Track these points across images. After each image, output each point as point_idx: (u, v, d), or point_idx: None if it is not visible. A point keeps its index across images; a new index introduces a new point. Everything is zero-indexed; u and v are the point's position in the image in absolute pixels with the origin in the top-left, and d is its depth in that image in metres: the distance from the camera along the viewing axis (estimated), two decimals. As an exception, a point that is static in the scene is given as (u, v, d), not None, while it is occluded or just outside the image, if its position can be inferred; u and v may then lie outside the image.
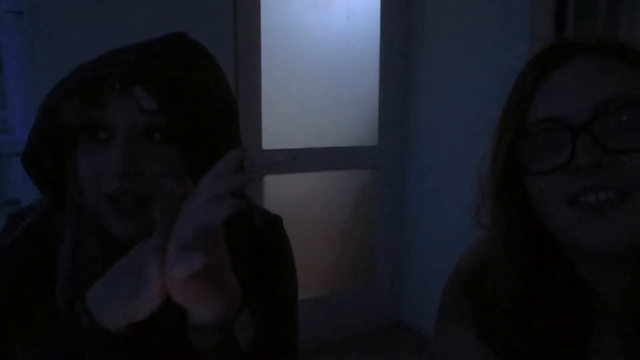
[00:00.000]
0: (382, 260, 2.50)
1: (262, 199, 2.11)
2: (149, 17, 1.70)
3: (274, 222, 0.72)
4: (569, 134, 0.47)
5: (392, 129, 2.42)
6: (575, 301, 0.51)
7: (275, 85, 2.13)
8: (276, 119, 2.15)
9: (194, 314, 0.47)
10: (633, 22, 1.77)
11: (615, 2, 1.79)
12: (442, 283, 0.65)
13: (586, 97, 0.47)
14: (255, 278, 0.64)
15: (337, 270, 2.48)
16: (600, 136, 0.46)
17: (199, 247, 0.39)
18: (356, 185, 2.51)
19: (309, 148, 2.23)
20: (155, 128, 0.52)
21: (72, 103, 0.51)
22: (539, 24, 1.81)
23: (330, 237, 2.45)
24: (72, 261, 0.55)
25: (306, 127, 2.28)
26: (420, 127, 2.38)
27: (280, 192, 2.22)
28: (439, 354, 0.60)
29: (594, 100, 0.47)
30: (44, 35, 1.57)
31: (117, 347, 0.45)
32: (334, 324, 2.35)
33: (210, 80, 0.56)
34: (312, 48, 2.25)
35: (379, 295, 2.50)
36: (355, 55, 2.36)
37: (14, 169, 1.78)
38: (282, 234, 0.72)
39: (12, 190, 1.76)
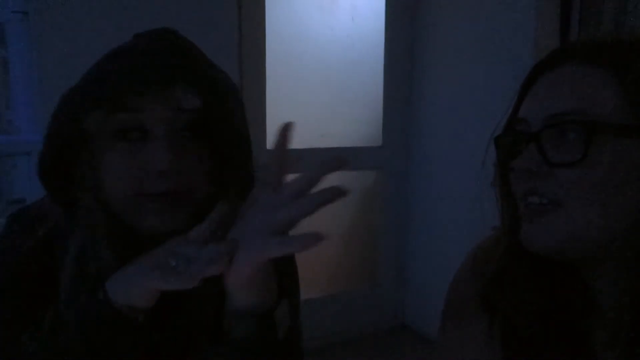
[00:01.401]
0: (386, 261, 2.50)
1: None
2: (154, 19, 1.71)
3: None
4: (523, 139, 0.50)
5: (397, 130, 2.42)
6: (572, 297, 0.52)
7: (279, 86, 2.13)
8: (280, 119, 2.14)
9: (237, 298, 0.48)
10: (638, 26, 1.76)
11: (621, 6, 1.78)
12: (446, 285, 0.65)
13: (547, 106, 0.49)
14: None
15: (341, 272, 2.48)
16: (545, 146, 0.48)
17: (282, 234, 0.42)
18: (360, 186, 2.51)
19: (313, 148, 2.23)
20: (187, 126, 0.54)
21: (100, 110, 0.52)
22: (543, 27, 1.81)
23: (335, 238, 2.45)
24: (77, 263, 0.56)
25: (310, 128, 2.29)
26: (424, 128, 2.37)
27: (284, 192, 2.21)
28: (444, 353, 0.61)
29: (550, 110, 0.48)
30: (50, 35, 1.58)
31: (132, 329, 0.48)
32: (338, 326, 2.35)
33: (222, 74, 0.58)
34: (317, 49, 2.26)
35: (382, 297, 2.50)
36: (360, 56, 2.36)
37: (19, 168, 1.79)
38: None
39: (17, 189, 1.77)
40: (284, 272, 0.69)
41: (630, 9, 1.75)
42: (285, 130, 0.46)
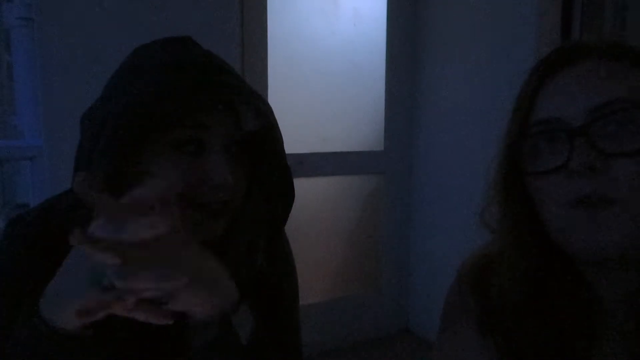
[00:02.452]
0: (388, 265, 2.49)
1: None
2: (157, 24, 1.71)
3: None
4: (566, 136, 0.47)
5: (398, 134, 2.42)
6: (578, 305, 0.51)
7: (281, 91, 2.13)
8: (282, 123, 2.15)
9: (189, 314, 0.48)
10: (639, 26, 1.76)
11: (622, 8, 1.78)
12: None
13: (585, 99, 0.47)
14: (255, 279, 0.64)
15: (343, 276, 2.48)
16: (596, 139, 0.45)
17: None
18: (362, 191, 2.51)
19: (315, 153, 2.23)
20: (236, 142, 0.57)
21: (166, 125, 0.53)
22: (545, 29, 1.81)
23: (337, 243, 2.44)
24: None
25: (312, 132, 2.29)
26: (426, 132, 2.38)
27: (286, 197, 2.21)
28: (441, 354, 0.60)
29: (592, 102, 0.47)
30: (54, 42, 1.59)
31: (74, 348, 0.45)
32: (341, 330, 2.34)
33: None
34: (319, 54, 2.26)
35: (385, 302, 2.49)
36: (362, 61, 2.36)
37: (22, 173, 1.80)
38: (283, 236, 0.72)
39: (20, 194, 1.78)
40: (281, 273, 0.69)
41: (631, 9, 1.76)
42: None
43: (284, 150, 0.63)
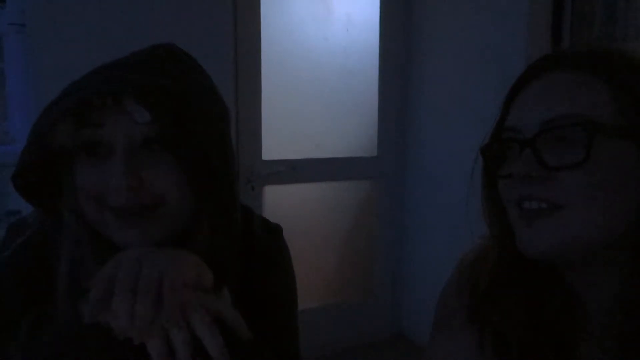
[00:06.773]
0: (382, 270, 2.50)
1: (262, 209, 2.12)
2: (151, 30, 1.72)
3: (274, 231, 0.72)
4: (517, 146, 0.51)
5: (392, 140, 2.43)
6: (561, 307, 0.52)
7: (275, 97, 2.14)
8: (276, 129, 2.17)
9: None
10: (628, 35, 1.79)
11: (611, 15, 1.81)
12: (442, 294, 0.65)
13: (539, 111, 0.50)
14: (255, 287, 0.64)
15: (337, 281, 2.48)
16: (541, 151, 0.48)
17: None
18: (356, 196, 2.51)
19: (308, 159, 2.24)
20: (153, 139, 0.53)
21: (66, 124, 0.52)
22: (536, 36, 1.83)
23: (330, 248, 2.44)
24: (69, 272, 0.56)
25: (306, 138, 2.29)
26: (419, 138, 2.39)
27: (280, 202, 2.22)
28: (435, 350, 0.61)
29: (544, 116, 0.49)
30: (46, 47, 1.59)
31: (113, 345, 0.47)
32: (334, 335, 2.34)
33: (197, 88, 0.57)
34: (312, 60, 2.27)
35: (379, 306, 2.49)
36: (355, 66, 2.37)
37: (14, 179, 1.78)
38: (282, 243, 0.73)
39: (13, 201, 1.76)
40: (281, 282, 0.69)
41: (620, 20, 1.78)
42: None
43: (211, 149, 0.55)
